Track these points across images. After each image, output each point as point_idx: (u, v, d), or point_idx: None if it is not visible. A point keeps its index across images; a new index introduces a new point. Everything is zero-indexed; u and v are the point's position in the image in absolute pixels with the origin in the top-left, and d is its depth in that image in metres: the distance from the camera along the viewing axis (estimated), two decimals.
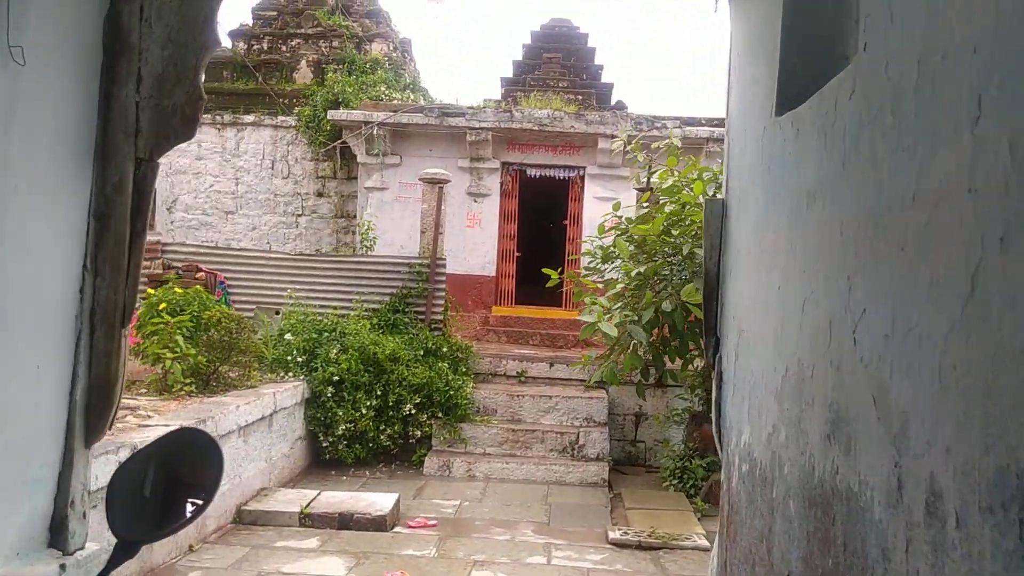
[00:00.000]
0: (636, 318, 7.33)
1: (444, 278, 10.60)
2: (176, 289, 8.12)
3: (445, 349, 9.92)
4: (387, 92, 14.48)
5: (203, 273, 10.40)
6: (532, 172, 13.91)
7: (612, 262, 8.63)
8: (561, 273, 13.84)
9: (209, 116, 15.17)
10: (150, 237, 10.66)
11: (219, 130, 15.31)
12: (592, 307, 7.87)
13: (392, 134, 13.64)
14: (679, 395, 9.40)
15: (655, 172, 9.68)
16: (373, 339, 9.24)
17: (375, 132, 13.31)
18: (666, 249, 7.70)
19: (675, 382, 8.93)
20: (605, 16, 54.97)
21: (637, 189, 11.17)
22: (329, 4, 16.42)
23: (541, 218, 17.20)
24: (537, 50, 16.64)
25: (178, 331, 7.46)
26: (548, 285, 8.84)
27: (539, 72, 15.62)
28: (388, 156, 13.79)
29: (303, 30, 16.11)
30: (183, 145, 14.36)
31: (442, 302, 10.57)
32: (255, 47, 16.21)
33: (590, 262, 9.07)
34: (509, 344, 12.83)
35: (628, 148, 9.52)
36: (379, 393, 8.94)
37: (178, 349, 7.38)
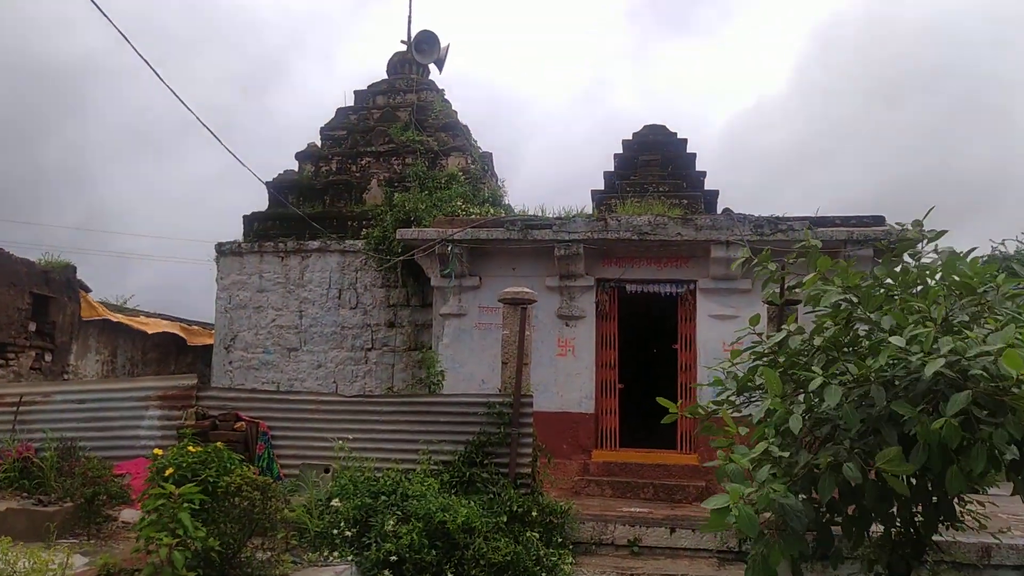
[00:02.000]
0: (792, 487, 5.27)
1: (531, 419, 8.82)
2: (190, 448, 6.59)
3: (535, 513, 8.02)
4: (464, 207, 13.27)
5: (243, 423, 8.94)
6: (632, 288, 12.22)
7: (750, 394, 6.69)
8: (684, 416, 11.90)
9: (272, 244, 14.33)
10: (181, 382, 9.36)
11: (282, 258, 14.35)
12: (729, 469, 5.77)
13: (470, 252, 12.28)
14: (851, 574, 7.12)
15: (795, 282, 7.75)
16: (442, 503, 7.44)
17: (450, 250, 11.97)
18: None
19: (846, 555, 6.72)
20: (699, 122, 54.32)
21: (768, 303, 9.27)
22: (402, 120, 15.65)
23: (646, 343, 15.34)
24: (630, 159, 15.31)
25: (183, 506, 5.86)
26: (664, 421, 6.79)
27: (635, 177, 14.21)
28: (466, 278, 12.39)
29: (374, 147, 15.32)
30: (243, 277, 13.44)
31: (529, 450, 8.74)
32: (323, 168, 15.47)
33: (720, 392, 7.11)
34: (615, 498, 10.76)
35: (749, 258, 7.70)
36: None
37: (181, 531, 5.75)
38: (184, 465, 6.47)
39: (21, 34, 46.72)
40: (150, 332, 14.98)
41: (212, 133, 9.97)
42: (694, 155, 15.66)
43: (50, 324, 12.16)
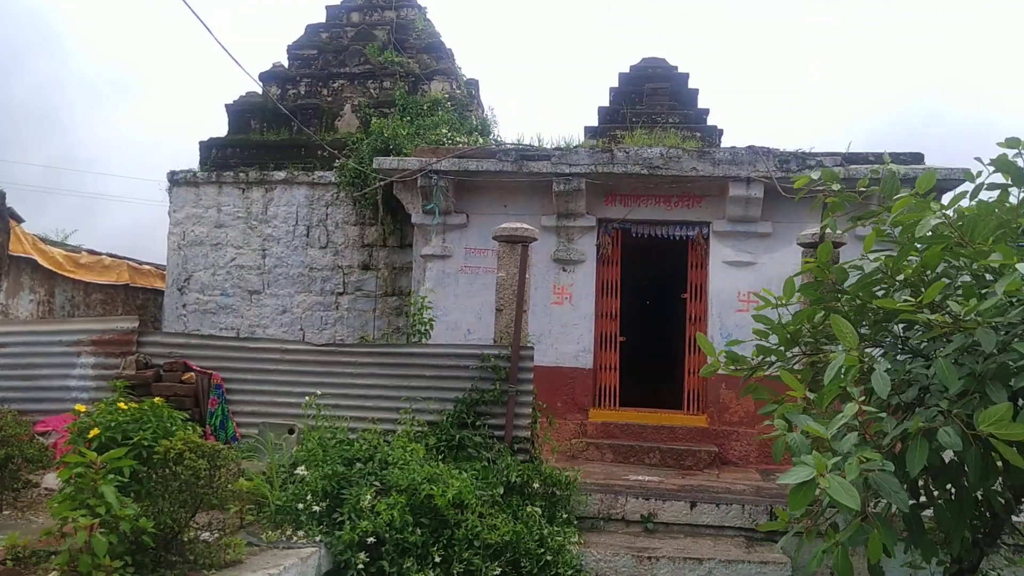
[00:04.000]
0: (886, 463, 4.20)
1: (531, 375, 7.75)
2: (121, 404, 5.44)
3: (536, 484, 7.00)
4: (450, 135, 12.02)
5: (192, 374, 7.78)
6: (639, 230, 11.12)
7: (798, 349, 5.61)
8: (692, 372, 10.83)
9: (232, 173, 13.00)
10: (120, 325, 8.15)
11: (243, 190, 13.04)
12: (793, 441, 4.63)
13: (456, 186, 11.08)
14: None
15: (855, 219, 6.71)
16: (429, 473, 6.37)
17: (434, 182, 10.75)
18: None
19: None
20: (701, 56, 52.75)
21: (805, 245, 8.22)
22: (380, 39, 14.26)
23: (650, 291, 14.33)
24: (630, 92, 14.07)
25: (108, 477, 4.73)
26: (703, 373, 5.60)
27: (641, 107, 12.99)
28: (451, 215, 11.21)
29: (348, 68, 13.94)
30: (199, 210, 12.13)
31: (529, 411, 7.70)
32: (290, 91, 14.08)
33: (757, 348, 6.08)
34: (616, 464, 9.81)
35: (819, 186, 6.59)
36: (438, 560, 6.02)
37: (103, 509, 4.63)
38: (113, 425, 5.35)
39: None
40: (87, 280, 13.62)
41: (200, 20, 8.61)
42: (696, 91, 14.48)
43: None
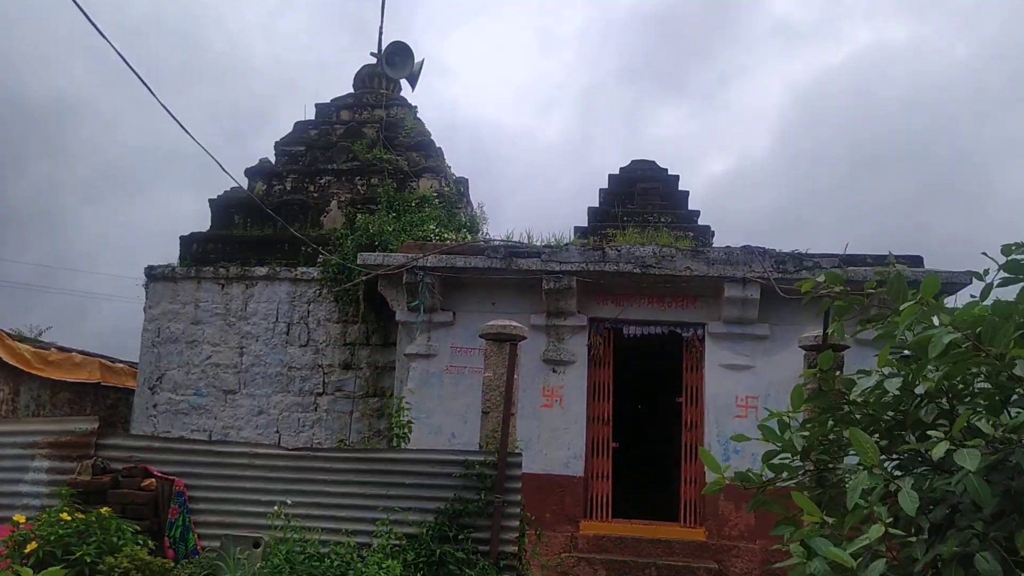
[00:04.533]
0: None
1: (519, 484, 7.26)
2: (63, 516, 4.94)
3: None
4: (437, 231, 11.83)
5: (153, 480, 7.25)
6: (631, 331, 10.81)
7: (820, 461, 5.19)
8: (689, 481, 10.32)
9: (211, 268, 12.71)
10: (79, 426, 7.66)
11: (223, 286, 12.72)
12: (816, 570, 4.14)
13: (443, 283, 10.81)
14: None
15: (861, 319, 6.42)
16: None
17: (421, 278, 10.47)
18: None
19: None
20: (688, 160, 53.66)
21: (808, 348, 7.89)
22: (369, 136, 14.25)
23: (644, 394, 13.91)
24: (620, 193, 14.05)
25: None
26: (706, 491, 5.21)
27: (633, 205, 12.90)
28: (437, 312, 10.89)
29: (336, 165, 13.88)
30: (176, 306, 11.74)
31: (516, 523, 7.18)
32: (276, 187, 13.96)
33: (770, 458, 5.64)
34: None
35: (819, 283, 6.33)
36: None
37: None
38: (53, 539, 4.84)
39: None
40: (54, 378, 13.13)
41: (177, 121, 8.45)
42: (687, 193, 14.50)
43: None
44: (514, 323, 8.24)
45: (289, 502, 6.94)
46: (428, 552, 6.78)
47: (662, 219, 12.46)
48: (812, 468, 4.91)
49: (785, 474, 4.84)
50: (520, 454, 7.44)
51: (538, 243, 11.20)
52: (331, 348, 12.48)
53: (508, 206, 45.24)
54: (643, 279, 10.44)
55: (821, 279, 4.97)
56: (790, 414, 4.82)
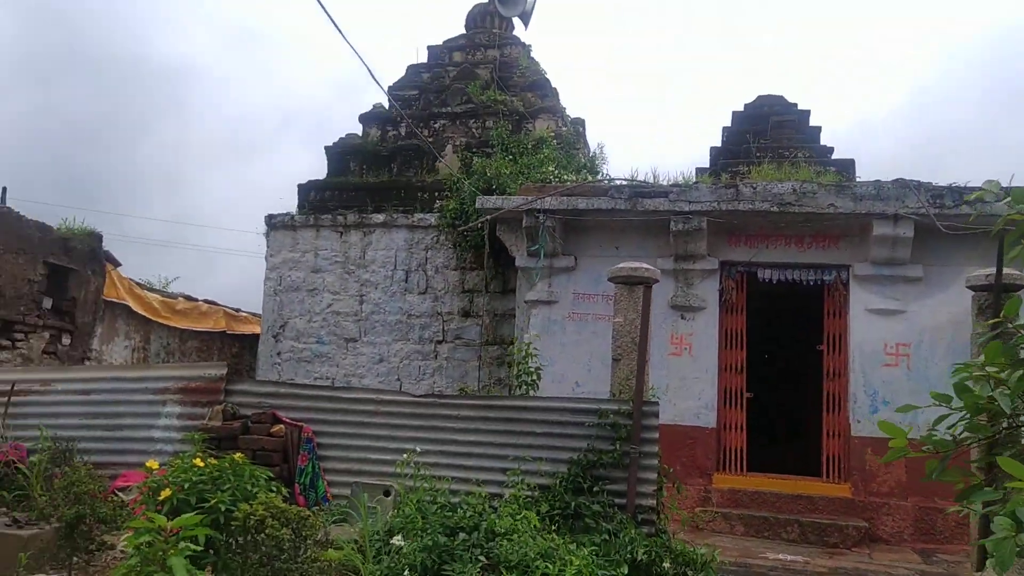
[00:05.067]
0: None
1: (656, 435, 6.85)
2: (196, 462, 4.84)
3: (667, 564, 6.05)
4: (556, 173, 11.38)
5: (282, 426, 7.20)
6: (766, 274, 10.12)
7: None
8: (832, 434, 9.62)
9: (330, 217, 12.66)
10: (208, 372, 7.67)
11: (341, 234, 12.68)
12: None
13: (564, 227, 10.38)
14: None
15: None
16: (543, 547, 5.53)
17: (541, 221, 10.08)
18: None
19: None
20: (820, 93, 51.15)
21: (978, 289, 7.08)
22: (482, 78, 13.84)
23: (776, 341, 13.22)
24: (744, 132, 13.18)
25: (179, 547, 4.09)
26: (886, 459, 4.62)
27: (766, 140, 12.07)
28: (558, 257, 10.49)
29: (450, 108, 13.55)
30: (296, 255, 11.78)
31: (653, 475, 6.79)
32: (391, 132, 13.78)
33: (941, 418, 5.02)
34: (749, 538, 8.74)
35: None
36: None
37: None
38: (187, 486, 4.74)
39: (121, 31, 47.52)
40: (181, 327, 13.46)
41: (338, 29, 8.30)
42: (819, 128, 13.48)
43: (69, 301, 10.68)
44: (645, 265, 7.77)
45: (419, 450, 6.75)
46: (563, 504, 6.48)
47: (799, 154, 11.60)
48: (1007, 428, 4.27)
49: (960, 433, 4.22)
50: (656, 403, 7.01)
51: (664, 183, 10.59)
52: (449, 295, 12.31)
53: (618, 152, 44.15)
54: (780, 218, 9.73)
55: (998, 203, 4.29)
56: (985, 370, 4.20)
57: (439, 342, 12.24)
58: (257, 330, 15.18)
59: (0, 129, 43.41)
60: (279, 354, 12.68)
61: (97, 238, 11.26)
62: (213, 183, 48.74)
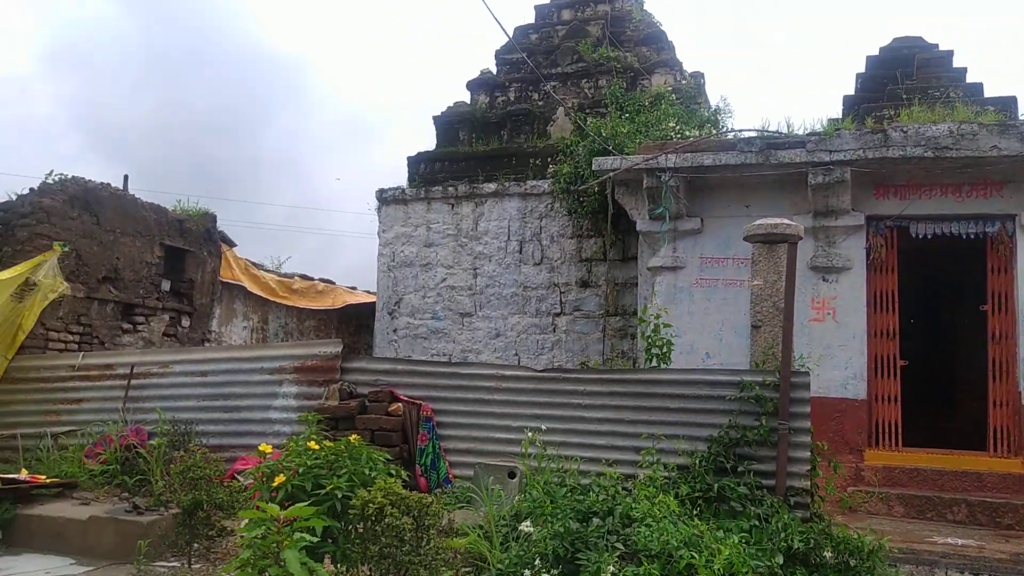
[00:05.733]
0: None
1: (807, 409, 6.21)
2: (311, 444, 4.55)
3: (827, 552, 5.42)
4: (677, 129, 10.68)
5: (400, 404, 6.92)
6: (919, 229, 9.20)
7: None
8: (999, 404, 8.67)
9: (440, 188, 12.37)
10: (323, 350, 7.47)
11: (452, 206, 12.38)
12: None
13: (688, 187, 9.72)
14: None
15: None
16: (686, 534, 5.03)
17: (664, 181, 9.45)
18: None
19: None
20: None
21: None
22: (593, 35, 13.21)
23: (923, 300, 12.17)
24: (881, 78, 12.06)
25: (294, 537, 3.79)
26: None
27: (911, 81, 11.00)
28: (682, 219, 9.84)
29: (560, 69, 13.02)
30: (408, 229, 11.53)
31: (806, 453, 6.16)
32: (499, 98, 13.37)
33: None
34: (910, 520, 7.97)
35: None
36: None
37: None
38: (302, 471, 4.45)
39: (243, 24, 49.31)
40: (299, 306, 13.50)
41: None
42: (964, 69, 12.20)
43: (187, 282, 10.79)
44: (787, 221, 7.08)
45: (543, 428, 6.33)
46: (704, 486, 5.94)
47: (950, 93, 10.49)
48: None
49: None
50: (807, 373, 6.37)
51: (799, 132, 9.76)
52: (566, 265, 11.84)
53: (740, 107, 42.44)
54: (935, 165, 8.78)
55: None
56: None
57: (557, 314, 11.80)
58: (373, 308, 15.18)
59: (133, 125, 45.58)
60: (395, 331, 12.54)
61: (211, 218, 11.32)
62: (332, 168, 49.88)
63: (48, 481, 6.48)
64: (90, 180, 9.43)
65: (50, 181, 9.04)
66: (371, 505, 4.15)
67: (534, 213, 12.08)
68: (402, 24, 59.00)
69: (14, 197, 8.97)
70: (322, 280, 14.70)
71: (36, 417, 7.87)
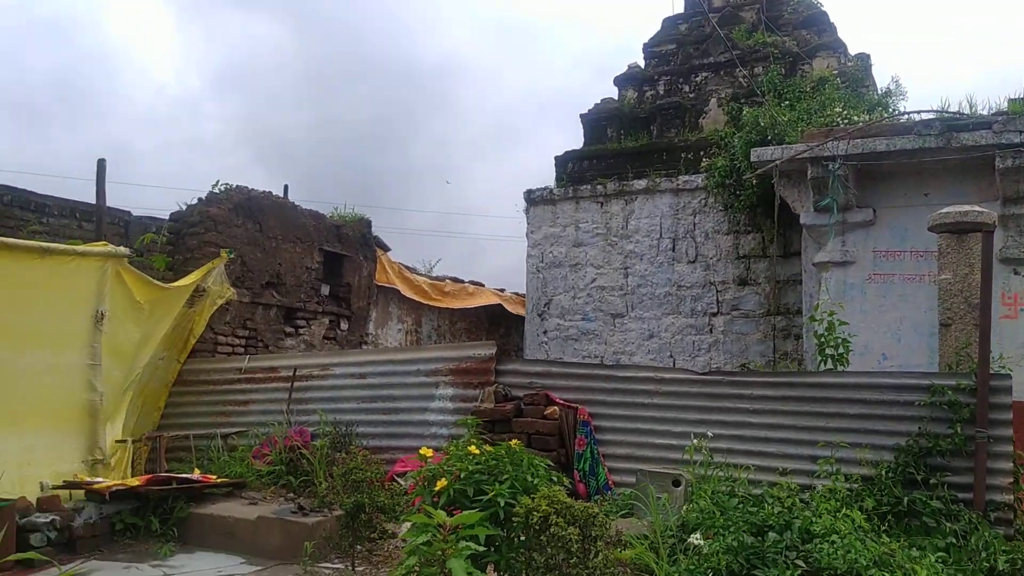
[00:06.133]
0: None
1: (1008, 415, 5.60)
2: (471, 449, 4.44)
3: None
4: (844, 114, 10.03)
5: (556, 408, 6.76)
6: None
7: None
8: None
9: (589, 187, 12.19)
10: (477, 352, 7.41)
11: (601, 204, 12.16)
12: None
13: (857, 175, 9.08)
14: None
15: None
16: (876, 552, 4.60)
17: (832, 169, 8.86)
18: None
19: None
20: None
21: None
22: (747, 20, 12.67)
23: None
24: None
25: (459, 546, 3.68)
26: None
27: None
28: (852, 210, 9.21)
29: (711, 58, 12.55)
30: (556, 229, 11.41)
31: (1008, 465, 5.55)
32: (648, 92, 13.03)
33: None
34: None
35: None
36: None
37: None
38: (463, 476, 4.35)
39: (393, 36, 51.23)
40: (447, 307, 13.64)
41: None
42: None
43: (344, 287, 11.07)
44: (978, 208, 6.44)
45: (709, 434, 6.01)
46: (892, 499, 5.47)
47: None
48: None
49: None
50: (1008, 375, 5.76)
51: (984, 112, 8.94)
52: (722, 263, 11.37)
53: (911, 90, 39.94)
54: None
55: None
56: None
57: (713, 314, 11.34)
58: (522, 311, 15.18)
59: (293, 140, 47.99)
60: (545, 332, 12.42)
61: (367, 224, 11.57)
62: (479, 174, 50.74)
63: (219, 481, 6.71)
64: (253, 189, 9.81)
65: (216, 191, 9.46)
66: (535, 513, 3.99)
67: (687, 209, 11.67)
68: (548, 22, 59.22)
69: (184, 207, 9.44)
70: (472, 283, 14.80)
71: (206, 418, 8.21)
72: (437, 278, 14.15)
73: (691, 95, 12.66)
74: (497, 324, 15.47)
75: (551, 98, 53.90)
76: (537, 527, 4.00)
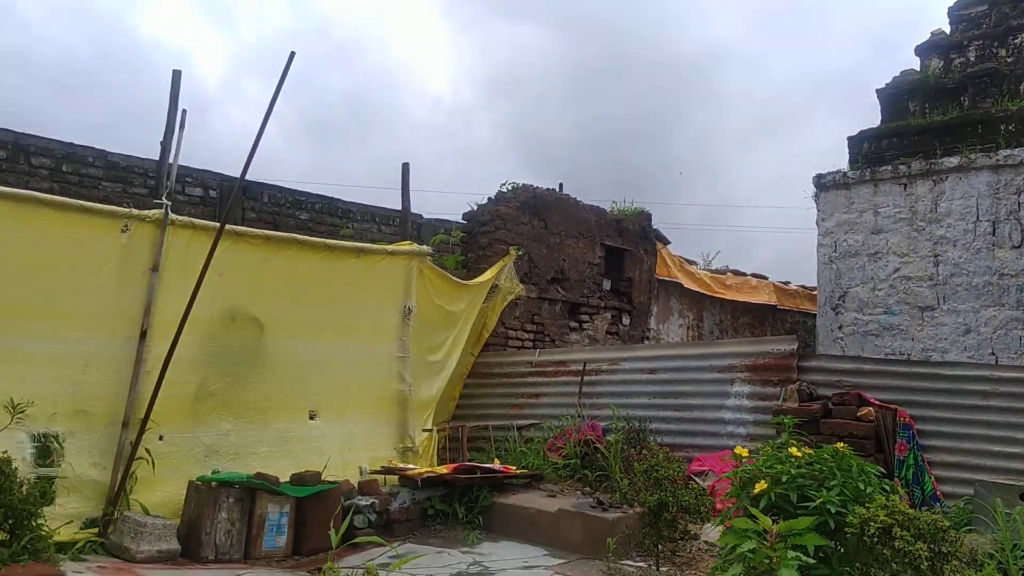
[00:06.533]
0: None
1: None
2: (792, 451, 4.13)
3: None
4: None
5: (870, 409, 6.20)
6: None
7: None
8: None
9: (889, 168, 11.19)
10: (776, 347, 7.00)
11: (904, 186, 11.11)
12: None
13: None
14: None
15: None
16: None
17: None
18: None
19: None
20: None
21: None
22: None
23: None
24: None
25: (788, 556, 3.42)
26: None
27: None
28: None
29: None
30: (851, 216, 10.65)
31: None
32: (956, 60, 11.74)
33: None
34: None
35: None
36: None
37: None
38: (784, 479, 4.05)
39: (656, 30, 51.43)
40: (734, 302, 13.17)
41: None
42: None
43: (625, 281, 11.01)
44: None
45: None
46: None
47: None
48: None
49: None
50: None
51: None
52: None
53: None
54: None
55: None
56: None
57: None
58: (807, 304, 14.32)
59: (557, 141, 49.21)
60: (840, 327, 11.56)
61: (647, 217, 11.44)
62: (748, 165, 48.97)
63: (519, 472, 6.88)
64: (537, 187, 10.04)
65: (504, 190, 9.79)
66: (872, 524, 3.61)
67: (1010, 187, 10.32)
68: (817, 3, 55.89)
69: (475, 207, 9.85)
70: (754, 275, 14.20)
71: (499, 410, 8.50)
72: (717, 271, 13.72)
73: (1009, 60, 11.21)
74: (781, 318, 14.72)
75: (824, 80, 50.66)
76: (875, 539, 3.62)
